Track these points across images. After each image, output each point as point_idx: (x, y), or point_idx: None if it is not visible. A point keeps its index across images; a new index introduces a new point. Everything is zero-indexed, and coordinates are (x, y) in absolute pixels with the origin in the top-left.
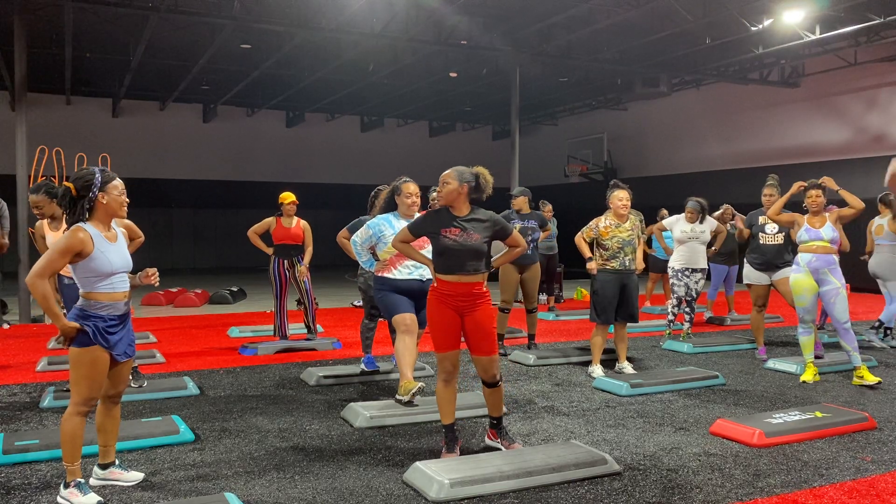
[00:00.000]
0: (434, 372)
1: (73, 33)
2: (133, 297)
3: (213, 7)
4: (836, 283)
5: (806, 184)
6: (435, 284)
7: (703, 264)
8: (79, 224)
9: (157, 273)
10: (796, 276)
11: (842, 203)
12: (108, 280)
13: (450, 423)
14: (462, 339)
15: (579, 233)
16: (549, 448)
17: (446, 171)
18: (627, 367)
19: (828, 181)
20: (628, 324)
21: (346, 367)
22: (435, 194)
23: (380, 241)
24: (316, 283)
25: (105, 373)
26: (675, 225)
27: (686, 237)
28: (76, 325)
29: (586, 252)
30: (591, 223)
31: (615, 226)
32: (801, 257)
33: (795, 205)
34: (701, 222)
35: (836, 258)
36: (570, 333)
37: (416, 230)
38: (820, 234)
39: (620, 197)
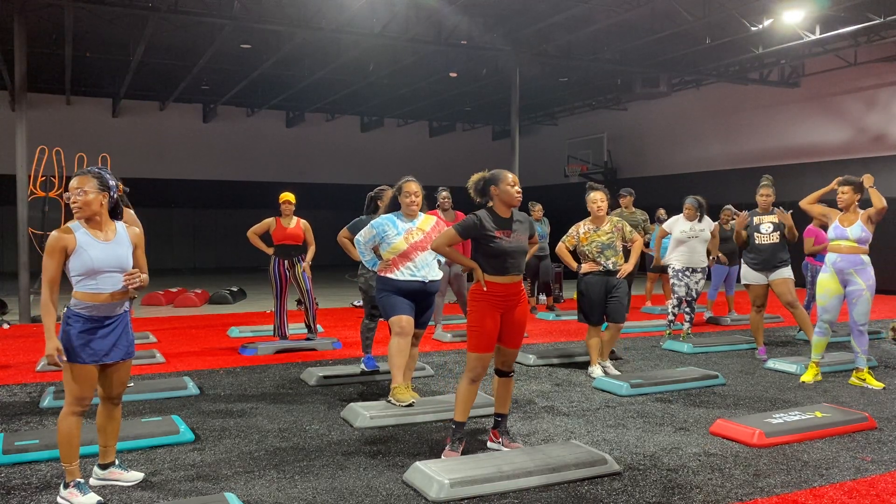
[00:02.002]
0: (434, 372)
1: (73, 33)
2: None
3: (213, 7)
4: (862, 284)
5: (842, 180)
6: (485, 289)
7: (704, 264)
8: (67, 224)
9: (136, 274)
10: (822, 277)
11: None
12: (94, 279)
13: (462, 422)
14: None
15: (560, 241)
16: (549, 448)
17: (507, 171)
18: (609, 366)
19: (867, 179)
20: (625, 323)
21: (346, 367)
22: (445, 194)
23: (383, 241)
24: (316, 283)
25: (93, 373)
26: (675, 225)
27: (686, 236)
28: (59, 348)
29: (570, 263)
30: (570, 230)
31: (594, 230)
32: (828, 257)
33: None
34: (700, 221)
35: (864, 258)
36: (570, 333)
37: (466, 233)
38: (846, 232)
39: (594, 199)
